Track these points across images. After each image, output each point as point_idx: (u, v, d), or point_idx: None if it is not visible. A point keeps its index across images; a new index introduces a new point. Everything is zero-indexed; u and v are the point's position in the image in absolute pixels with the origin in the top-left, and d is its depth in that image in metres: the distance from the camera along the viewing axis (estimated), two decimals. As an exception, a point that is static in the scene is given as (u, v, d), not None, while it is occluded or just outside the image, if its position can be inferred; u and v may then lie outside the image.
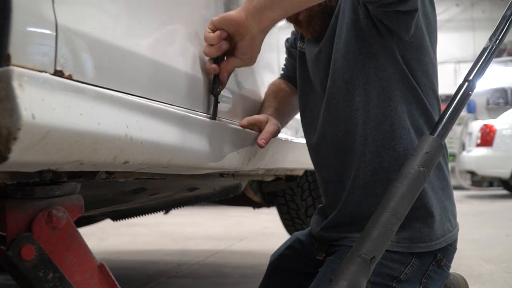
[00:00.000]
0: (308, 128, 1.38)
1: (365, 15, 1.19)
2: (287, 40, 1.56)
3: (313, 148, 1.37)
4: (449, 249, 1.26)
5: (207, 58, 1.09)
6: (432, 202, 1.22)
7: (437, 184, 1.25)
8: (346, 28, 1.22)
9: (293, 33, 1.53)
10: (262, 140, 1.24)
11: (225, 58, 1.11)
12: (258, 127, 1.27)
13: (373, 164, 1.23)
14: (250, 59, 1.14)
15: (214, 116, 1.07)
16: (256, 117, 1.29)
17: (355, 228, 1.24)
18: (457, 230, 1.30)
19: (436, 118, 1.26)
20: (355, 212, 1.26)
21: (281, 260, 1.42)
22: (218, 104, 1.09)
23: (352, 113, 1.23)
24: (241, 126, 1.22)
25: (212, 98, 1.09)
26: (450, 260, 1.27)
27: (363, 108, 1.22)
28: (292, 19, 1.28)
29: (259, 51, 1.14)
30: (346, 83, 1.23)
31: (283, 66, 1.58)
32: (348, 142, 1.26)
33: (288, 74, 1.54)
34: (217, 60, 1.08)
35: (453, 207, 1.30)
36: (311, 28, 1.28)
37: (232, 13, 1.08)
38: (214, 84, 1.08)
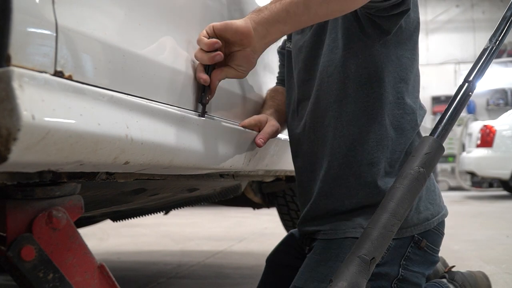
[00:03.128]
0: (291, 120, 1.39)
1: (354, 16, 1.20)
2: (279, 46, 1.59)
3: (293, 138, 1.38)
4: (431, 231, 1.24)
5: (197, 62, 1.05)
6: None
7: None
8: (333, 25, 1.24)
9: (284, 40, 1.55)
10: (260, 139, 1.23)
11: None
12: (258, 128, 1.28)
13: (347, 157, 1.23)
14: (245, 72, 1.10)
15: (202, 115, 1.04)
16: (257, 117, 1.29)
17: (327, 221, 1.25)
18: (443, 215, 1.28)
19: (418, 116, 1.27)
20: (328, 204, 1.26)
21: (277, 256, 1.45)
22: (222, 105, 1.09)
23: (330, 106, 1.25)
24: (242, 126, 1.23)
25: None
26: (433, 242, 1.24)
27: (340, 102, 1.24)
28: None
29: (254, 65, 1.11)
30: (329, 76, 1.25)
31: (278, 74, 1.60)
32: (323, 133, 1.27)
33: (282, 78, 1.55)
34: (207, 67, 1.04)
35: (433, 193, 1.28)
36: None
37: (238, 22, 1.04)
38: (203, 93, 1.04)
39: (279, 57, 1.59)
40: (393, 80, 1.23)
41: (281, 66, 1.58)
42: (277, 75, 1.61)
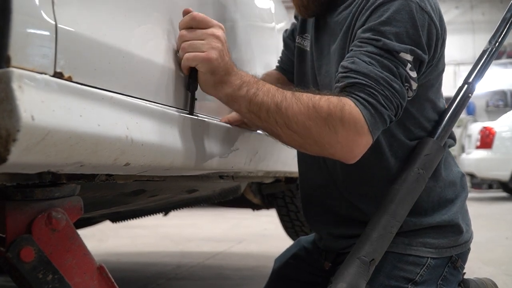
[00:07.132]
0: None
1: (349, 43, 1.15)
2: (286, 31, 1.51)
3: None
4: (465, 250, 1.27)
5: None
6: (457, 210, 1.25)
7: (461, 193, 1.29)
8: (338, 41, 1.19)
9: (292, 24, 1.48)
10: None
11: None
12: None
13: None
14: None
15: (191, 112, 1.01)
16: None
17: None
18: (472, 233, 1.31)
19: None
20: (360, 219, 1.23)
21: (285, 269, 1.39)
22: (222, 106, 1.08)
23: None
24: (228, 123, 1.17)
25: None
26: (465, 261, 1.27)
27: None
28: None
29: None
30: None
31: (279, 58, 1.53)
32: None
33: (283, 66, 1.49)
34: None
35: (467, 214, 1.32)
36: (300, 1, 1.22)
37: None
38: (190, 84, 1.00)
39: (284, 43, 1.51)
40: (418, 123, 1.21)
41: (284, 54, 1.50)
42: (278, 58, 1.53)
